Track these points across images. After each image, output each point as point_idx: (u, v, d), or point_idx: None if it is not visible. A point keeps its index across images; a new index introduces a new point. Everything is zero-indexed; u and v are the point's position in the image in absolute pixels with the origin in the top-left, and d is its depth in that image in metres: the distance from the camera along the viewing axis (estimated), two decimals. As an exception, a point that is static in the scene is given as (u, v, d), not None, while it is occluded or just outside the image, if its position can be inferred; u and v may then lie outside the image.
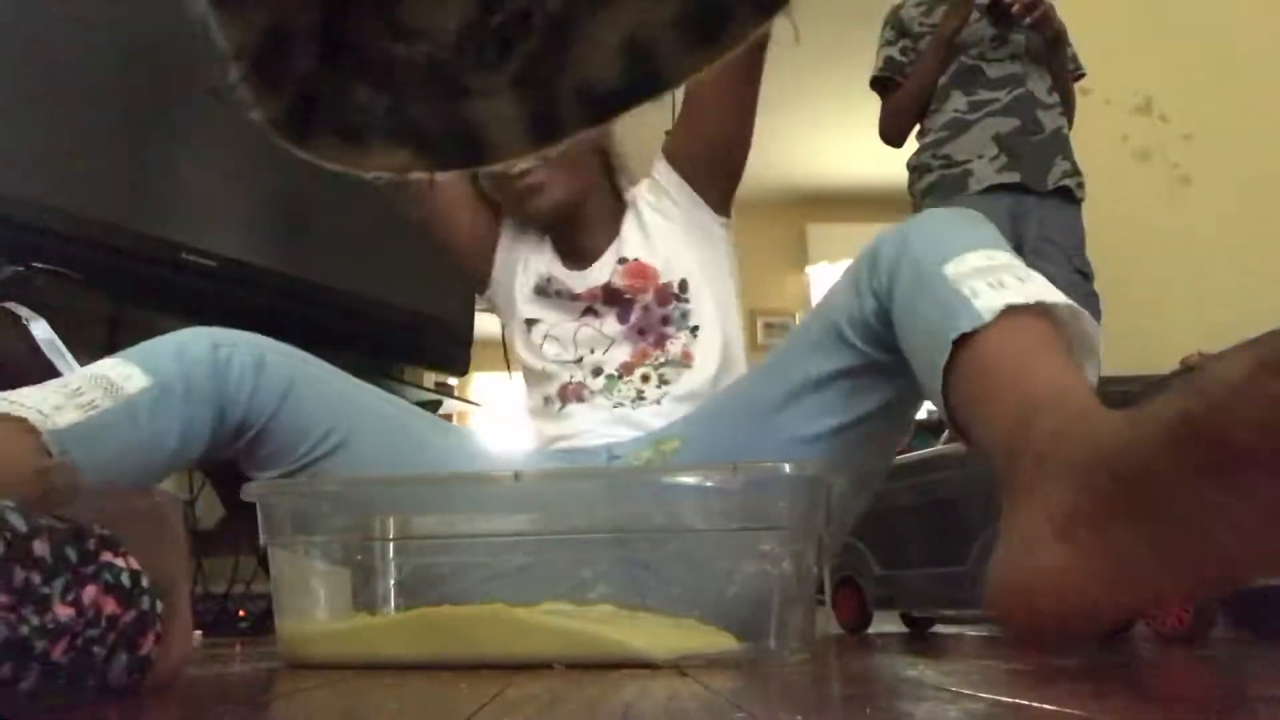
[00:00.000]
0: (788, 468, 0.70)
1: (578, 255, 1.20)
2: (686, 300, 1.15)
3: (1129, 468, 0.55)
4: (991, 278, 0.75)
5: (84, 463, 0.80)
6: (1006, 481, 0.67)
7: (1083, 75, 2.20)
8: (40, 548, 0.45)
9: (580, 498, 0.76)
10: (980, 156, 2.05)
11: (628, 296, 1.14)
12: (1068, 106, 2.15)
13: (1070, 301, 0.75)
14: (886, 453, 1.00)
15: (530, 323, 1.19)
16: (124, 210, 1.44)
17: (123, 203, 1.45)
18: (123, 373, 0.88)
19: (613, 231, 1.20)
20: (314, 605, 0.78)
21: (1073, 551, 0.58)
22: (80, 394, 0.84)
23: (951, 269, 0.76)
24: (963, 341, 0.72)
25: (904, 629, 1.68)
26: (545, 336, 1.18)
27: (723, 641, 0.68)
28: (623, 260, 1.15)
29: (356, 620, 0.76)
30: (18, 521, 0.45)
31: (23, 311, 1.13)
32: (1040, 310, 0.73)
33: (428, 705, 0.50)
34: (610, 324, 1.15)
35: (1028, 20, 2.00)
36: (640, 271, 1.15)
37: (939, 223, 0.83)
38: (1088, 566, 0.58)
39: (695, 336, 1.15)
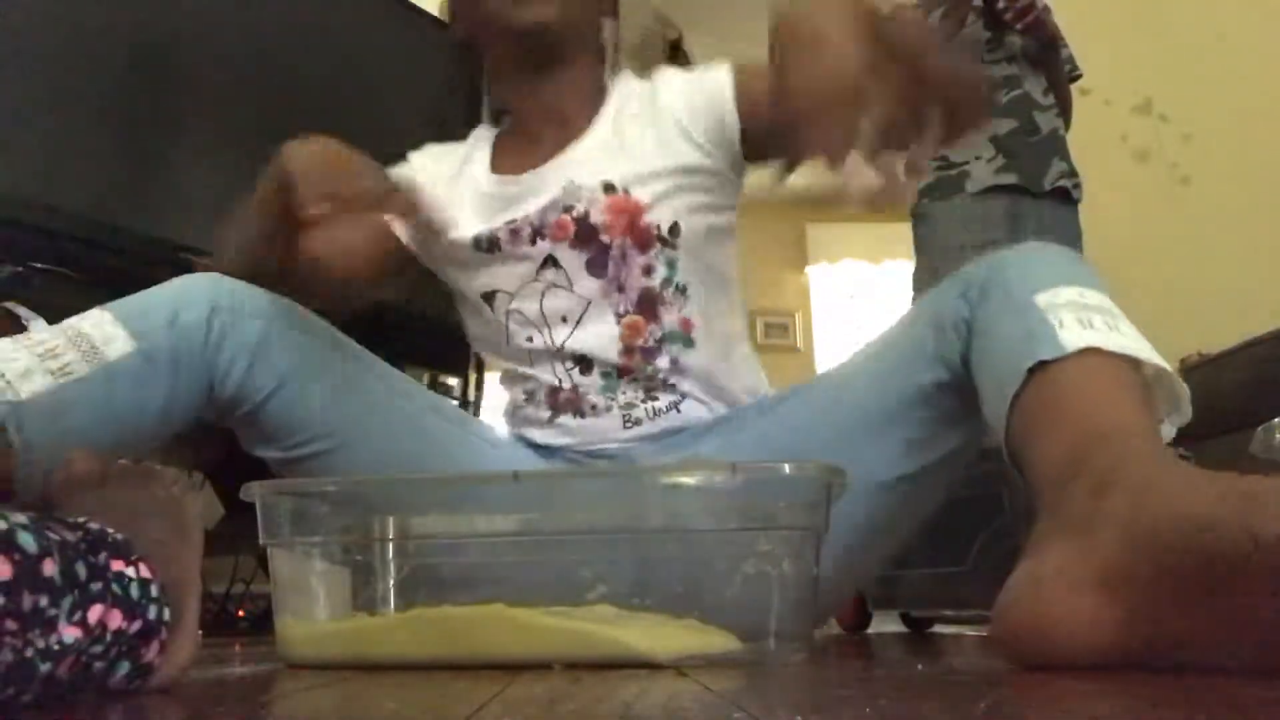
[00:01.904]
0: (787, 468, 0.70)
1: (534, 146, 1.04)
2: (673, 247, 0.98)
3: (1207, 552, 0.52)
4: (1082, 314, 0.73)
5: (43, 437, 0.74)
6: (1052, 506, 0.65)
7: (1079, 76, 2.21)
8: (50, 568, 0.45)
9: (580, 497, 0.75)
10: (977, 158, 2.05)
11: (603, 237, 0.97)
12: (1065, 108, 2.15)
13: (1158, 360, 0.73)
14: (936, 500, 0.96)
15: (488, 297, 1.02)
16: (124, 210, 1.44)
17: (123, 203, 1.44)
18: (106, 334, 0.82)
19: (586, 113, 1.06)
20: (314, 605, 0.78)
21: (1107, 602, 0.57)
22: (55, 355, 0.78)
23: (1043, 299, 0.75)
24: (1038, 369, 0.71)
25: (904, 629, 1.68)
26: (508, 313, 1.01)
27: (723, 642, 0.68)
28: (610, 188, 0.98)
29: (356, 620, 0.75)
30: (27, 541, 0.44)
31: (22, 311, 1.13)
32: (1123, 359, 0.71)
33: (427, 705, 0.50)
34: (581, 279, 0.98)
35: (1020, 25, 2.00)
36: (623, 206, 0.98)
37: (1038, 254, 0.82)
38: (1118, 621, 0.57)
39: (686, 298, 0.99)
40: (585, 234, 0.98)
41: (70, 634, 0.46)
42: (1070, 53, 2.19)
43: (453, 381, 2.25)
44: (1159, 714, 0.43)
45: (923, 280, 2.08)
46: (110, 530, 0.52)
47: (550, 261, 0.99)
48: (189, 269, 1.47)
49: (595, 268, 0.98)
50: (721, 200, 1.04)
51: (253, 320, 0.88)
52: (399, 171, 1.11)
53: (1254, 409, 1.56)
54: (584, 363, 0.98)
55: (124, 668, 0.50)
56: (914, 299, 2.10)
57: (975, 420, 0.83)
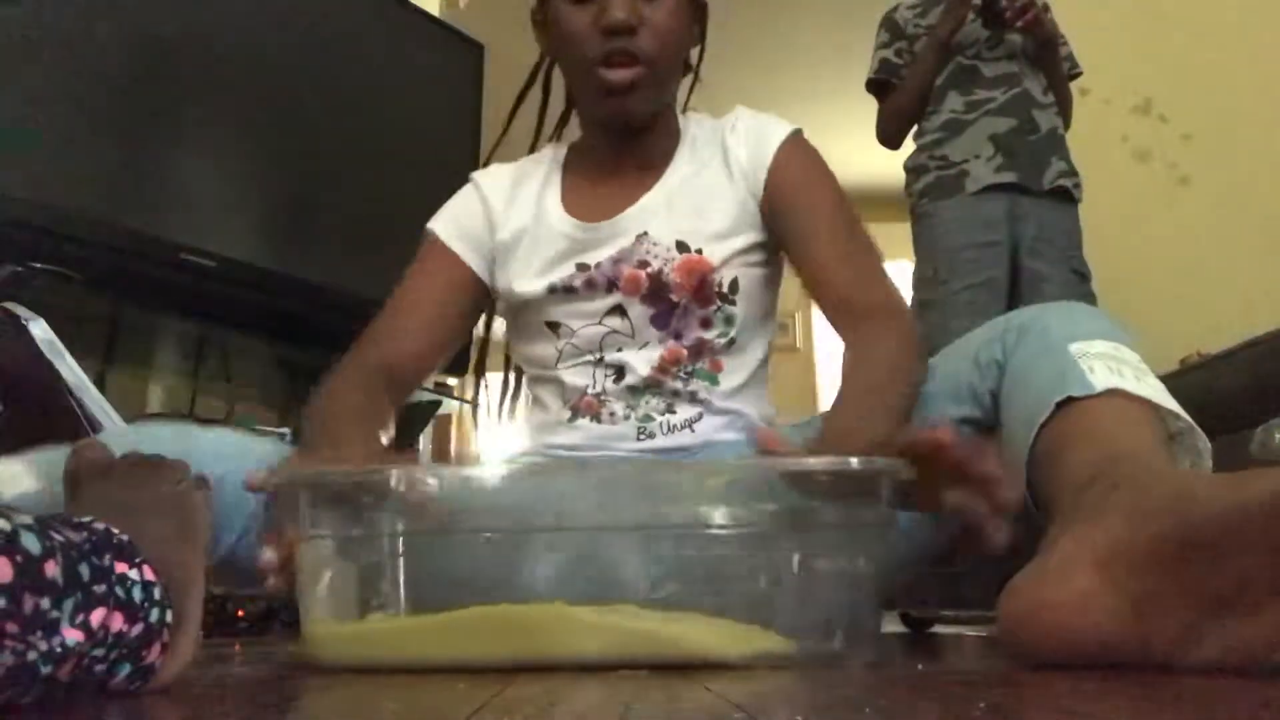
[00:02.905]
0: (854, 462, 0.67)
1: (608, 188, 1.06)
2: (731, 303, 1.03)
3: (1199, 520, 0.55)
4: (1113, 364, 0.76)
5: None
6: (1068, 512, 0.67)
7: (1079, 74, 2.20)
8: (52, 569, 0.44)
9: (639, 491, 0.70)
10: (977, 157, 2.05)
11: (672, 296, 1.01)
12: (1064, 107, 2.15)
13: (1181, 412, 0.76)
14: (947, 534, 0.94)
15: (553, 326, 1.04)
16: (124, 210, 1.44)
17: (123, 203, 1.45)
18: (12, 473, 0.82)
19: (661, 153, 1.07)
20: (349, 605, 0.71)
21: (1103, 581, 0.58)
22: None
23: (1077, 347, 0.78)
24: (1066, 404, 0.74)
25: (904, 629, 1.68)
26: (568, 344, 1.04)
27: (785, 642, 0.65)
28: (683, 247, 1.01)
29: (400, 620, 0.70)
30: (30, 543, 0.43)
31: (22, 311, 1.13)
32: (1149, 404, 0.75)
33: (427, 705, 0.50)
34: (644, 329, 1.02)
35: (1019, 24, 2.00)
36: (695, 266, 1.01)
37: (1078, 310, 0.86)
38: (1111, 601, 0.58)
39: (729, 350, 1.04)
40: (656, 291, 1.01)
41: (73, 637, 0.45)
42: (1070, 50, 2.18)
43: (453, 381, 2.25)
44: (1159, 714, 0.43)
45: (923, 280, 2.08)
46: (115, 531, 0.52)
47: (618, 310, 1.02)
48: (188, 268, 1.47)
49: (659, 320, 1.02)
50: (774, 246, 1.07)
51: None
52: (467, 198, 1.11)
53: (1254, 409, 1.56)
54: (619, 371, 1.02)
55: (124, 669, 0.50)
56: (914, 299, 2.10)
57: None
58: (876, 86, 2.22)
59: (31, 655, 0.43)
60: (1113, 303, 2.07)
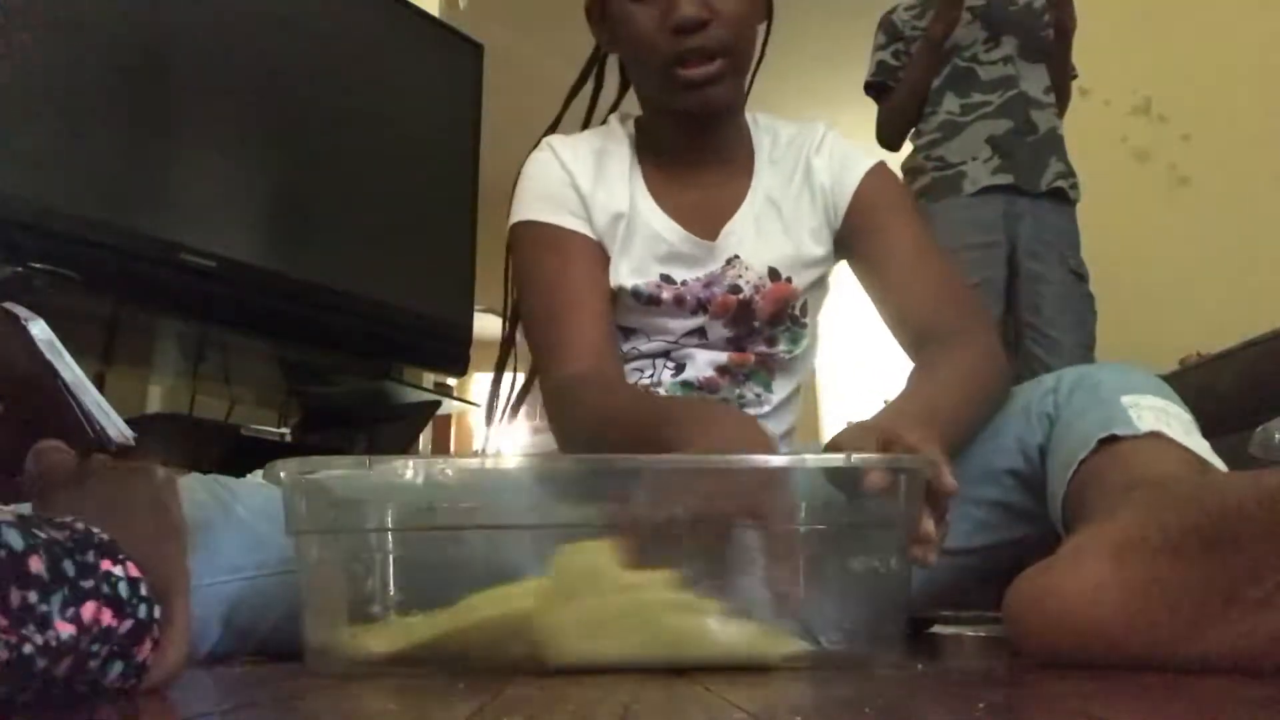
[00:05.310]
0: (875, 459, 0.66)
1: (694, 188, 1.03)
2: (802, 326, 1.04)
3: (1215, 509, 0.56)
4: (1162, 416, 0.77)
5: None
6: (1086, 519, 0.68)
7: (1075, 76, 2.21)
8: (37, 564, 0.44)
9: (666, 488, 0.67)
10: (974, 158, 2.05)
11: (754, 321, 1.02)
12: (1062, 103, 2.15)
13: (1225, 471, 0.76)
14: (976, 579, 0.96)
15: (627, 332, 1.03)
16: (124, 210, 1.44)
17: (123, 203, 1.45)
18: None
19: (739, 169, 1.05)
20: (356, 605, 0.67)
21: (1114, 571, 0.58)
22: None
23: (1129, 399, 0.79)
24: (1109, 441, 0.75)
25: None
26: (635, 349, 1.03)
27: (811, 644, 0.64)
28: (774, 274, 1.01)
29: (410, 621, 0.65)
30: (13, 538, 0.43)
31: (22, 311, 1.13)
32: (1191, 452, 0.75)
33: (426, 706, 0.50)
34: (718, 344, 1.02)
35: None
36: (782, 293, 1.02)
37: (1133, 370, 0.86)
38: (1121, 590, 0.58)
39: (789, 362, 1.04)
40: (741, 316, 1.01)
41: (65, 630, 0.45)
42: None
43: (452, 381, 2.25)
44: (1159, 714, 0.43)
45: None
46: (96, 530, 0.51)
47: (698, 331, 1.01)
48: (188, 268, 1.47)
49: (734, 340, 1.02)
50: (833, 269, 1.08)
51: None
52: (552, 175, 1.03)
53: (1254, 409, 1.56)
54: (679, 367, 1.02)
55: (117, 667, 0.50)
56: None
57: (1037, 520, 0.85)
58: (874, 89, 2.22)
59: (27, 649, 0.43)
60: (1113, 303, 2.07)
